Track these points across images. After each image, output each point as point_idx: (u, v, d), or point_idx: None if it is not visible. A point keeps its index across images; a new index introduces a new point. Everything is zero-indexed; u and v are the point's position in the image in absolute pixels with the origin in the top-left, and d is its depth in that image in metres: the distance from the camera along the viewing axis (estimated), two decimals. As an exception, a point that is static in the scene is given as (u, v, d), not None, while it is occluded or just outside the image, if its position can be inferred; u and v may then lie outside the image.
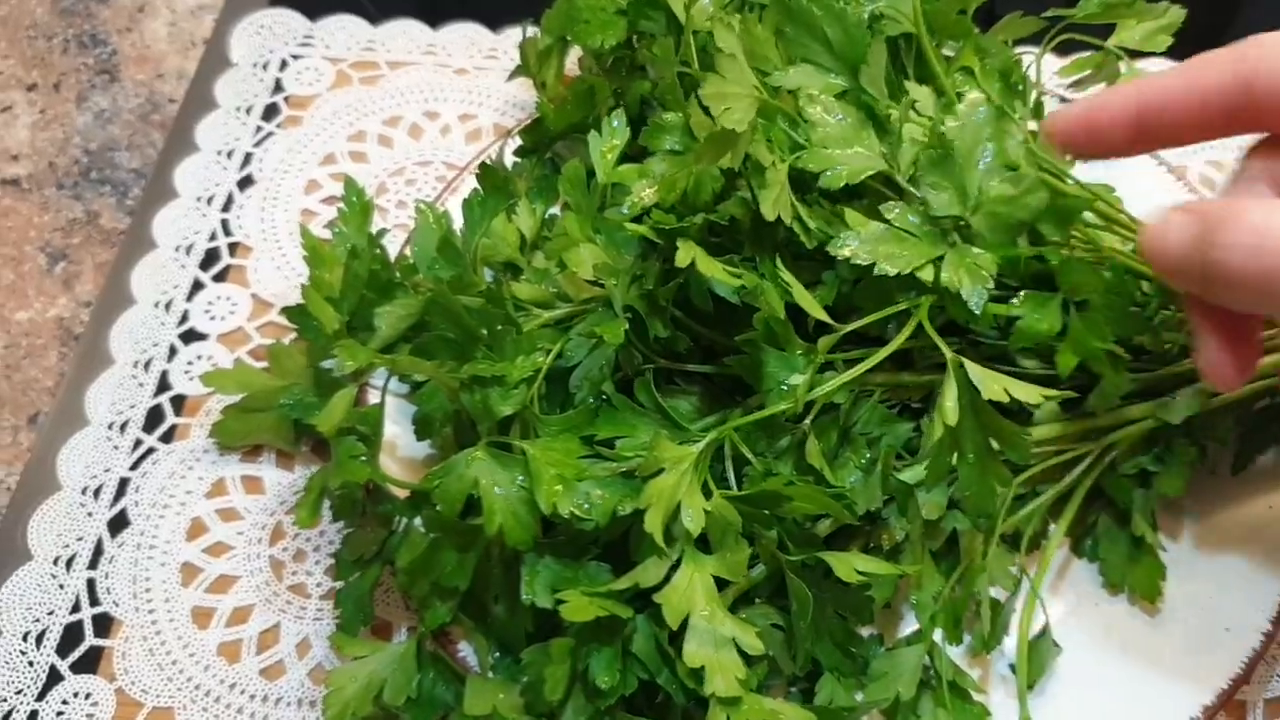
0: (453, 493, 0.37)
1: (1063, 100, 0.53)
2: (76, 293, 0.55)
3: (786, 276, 0.37)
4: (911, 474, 0.39)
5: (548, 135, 0.49)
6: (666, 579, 0.36)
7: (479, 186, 0.46)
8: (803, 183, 0.40)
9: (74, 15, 0.65)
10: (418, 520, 0.41)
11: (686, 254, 0.36)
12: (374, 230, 0.47)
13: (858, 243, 0.37)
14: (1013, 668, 0.40)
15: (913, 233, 0.38)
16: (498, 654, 0.40)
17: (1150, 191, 0.50)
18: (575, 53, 0.54)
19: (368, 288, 0.45)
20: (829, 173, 0.39)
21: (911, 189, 0.39)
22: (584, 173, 0.44)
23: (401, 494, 0.41)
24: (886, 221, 0.38)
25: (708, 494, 0.36)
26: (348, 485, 0.39)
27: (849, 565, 0.36)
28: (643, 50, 0.48)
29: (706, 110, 0.40)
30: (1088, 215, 0.41)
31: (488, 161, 0.47)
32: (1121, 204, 0.47)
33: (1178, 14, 0.50)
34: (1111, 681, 0.40)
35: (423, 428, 0.43)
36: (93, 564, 0.45)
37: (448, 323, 0.41)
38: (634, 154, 0.45)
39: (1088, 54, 0.52)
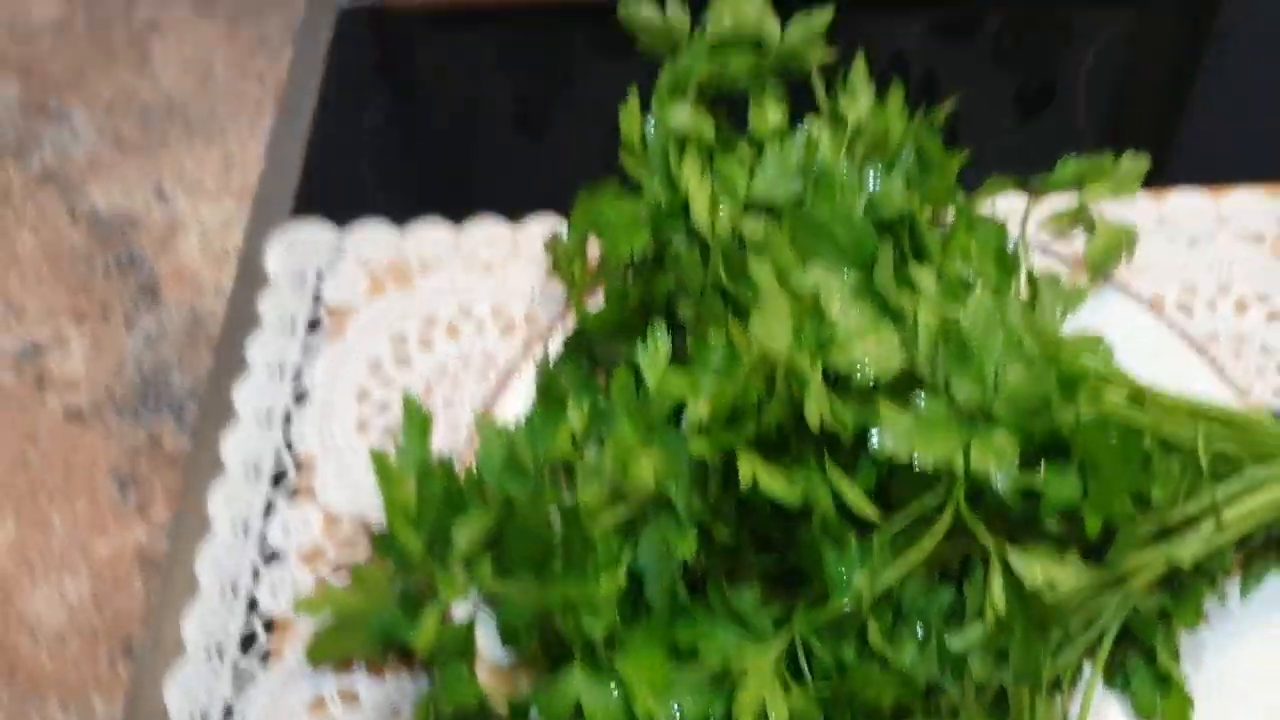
0: (557, 710, 0.42)
1: (1044, 252, 0.58)
2: (150, 518, 0.59)
3: (837, 480, 0.42)
4: (961, 642, 0.43)
5: (589, 339, 0.54)
6: None
7: (539, 401, 0.51)
8: (833, 377, 0.45)
9: (111, 240, 0.70)
10: None
11: (748, 471, 0.41)
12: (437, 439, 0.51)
13: (893, 438, 0.42)
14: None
15: (940, 422, 0.43)
16: None
17: (1132, 327, 0.56)
18: (596, 241, 0.59)
19: (442, 506, 0.49)
20: (858, 373, 0.44)
21: (930, 378, 0.44)
22: (631, 379, 0.49)
23: (500, 712, 0.45)
24: (915, 414, 0.43)
25: (786, 687, 0.41)
26: (459, 707, 0.43)
27: None
28: (669, 257, 0.53)
29: (740, 314, 0.46)
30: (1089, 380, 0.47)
31: (545, 374, 0.52)
32: (1112, 353, 0.53)
33: (1142, 164, 0.56)
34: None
35: (508, 637, 0.48)
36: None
37: (526, 540, 0.46)
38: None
39: (1063, 206, 0.58)
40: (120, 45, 0.81)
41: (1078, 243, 0.59)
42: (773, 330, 0.42)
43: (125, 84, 0.78)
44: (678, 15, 0.58)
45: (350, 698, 0.51)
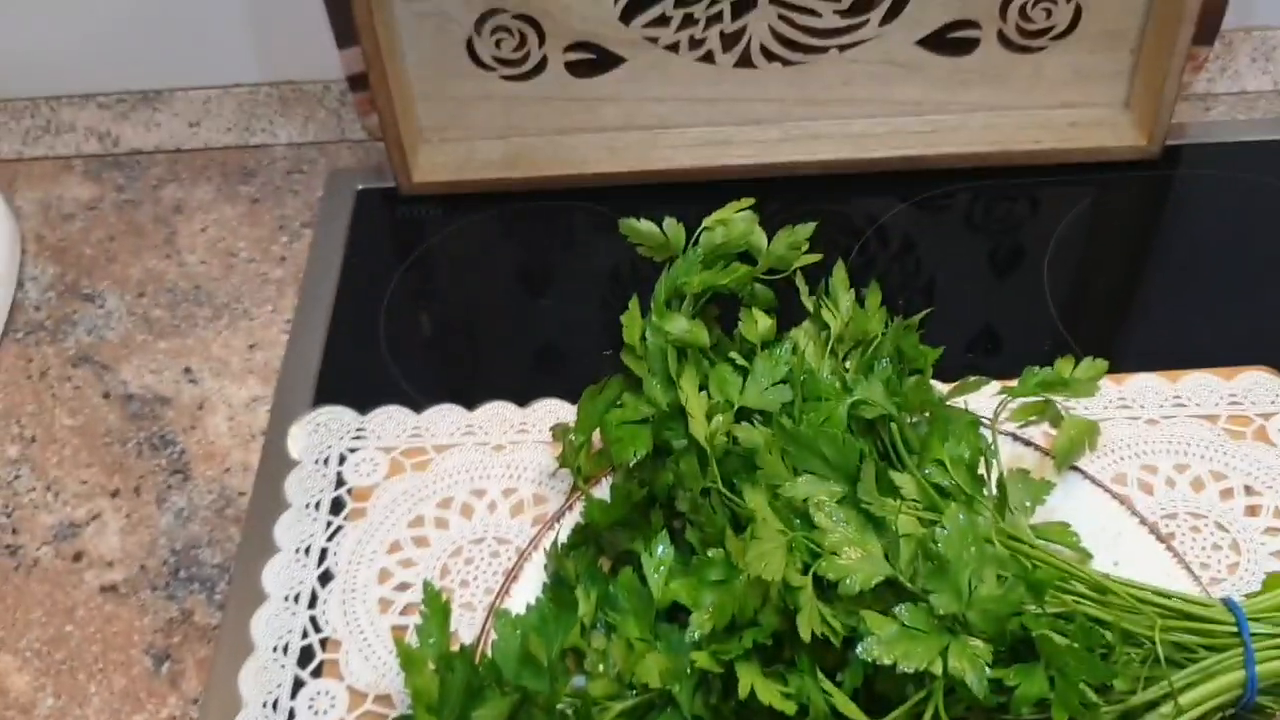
0: None
1: (1014, 439, 0.64)
2: (183, 691, 0.63)
3: (829, 688, 0.47)
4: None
5: (595, 531, 0.59)
6: None
7: (550, 597, 0.55)
8: (822, 584, 0.50)
9: (142, 419, 0.75)
10: None
11: (746, 682, 0.46)
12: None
13: (879, 646, 0.47)
14: None
15: (921, 630, 0.48)
16: None
17: (1094, 513, 0.61)
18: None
19: (463, 694, 0.54)
20: (846, 581, 0.49)
21: (911, 586, 0.50)
22: (636, 580, 0.54)
23: None
24: (898, 622, 0.48)
25: None
26: None
27: None
28: (669, 461, 0.58)
29: (736, 528, 0.51)
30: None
31: (553, 575, 0.57)
32: (1079, 540, 0.58)
33: (1100, 367, 0.62)
34: None
35: (530, 822, 0.52)
36: None
37: (541, 730, 0.50)
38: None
39: (1031, 401, 0.64)
40: (148, 226, 0.87)
41: (1046, 425, 0.65)
42: (767, 559, 0.47)
43: (153, 267, 0.84)
44: (674, 228, 0.64)
45: None
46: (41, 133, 0.91)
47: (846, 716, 0.47)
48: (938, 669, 0.47)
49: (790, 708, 0.46)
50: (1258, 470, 0.66)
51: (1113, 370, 0.64)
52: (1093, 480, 0.62)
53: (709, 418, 0.57)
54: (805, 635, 0.47)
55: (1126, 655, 0.52)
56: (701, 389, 0.59)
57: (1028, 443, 0.64)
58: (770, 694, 0.46)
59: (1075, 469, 0.63)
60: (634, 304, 0.64)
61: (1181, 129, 0.86)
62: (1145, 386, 0.70)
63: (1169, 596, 0.54)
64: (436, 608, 0.57)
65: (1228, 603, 0.54)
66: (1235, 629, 0.52)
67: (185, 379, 0.77)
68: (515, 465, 0.69)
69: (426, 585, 0.57)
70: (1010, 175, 0.84)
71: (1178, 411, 0.68)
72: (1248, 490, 0.65)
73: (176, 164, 0.90)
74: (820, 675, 0.47)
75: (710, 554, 0.52)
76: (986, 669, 0.47)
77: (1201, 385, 0.69)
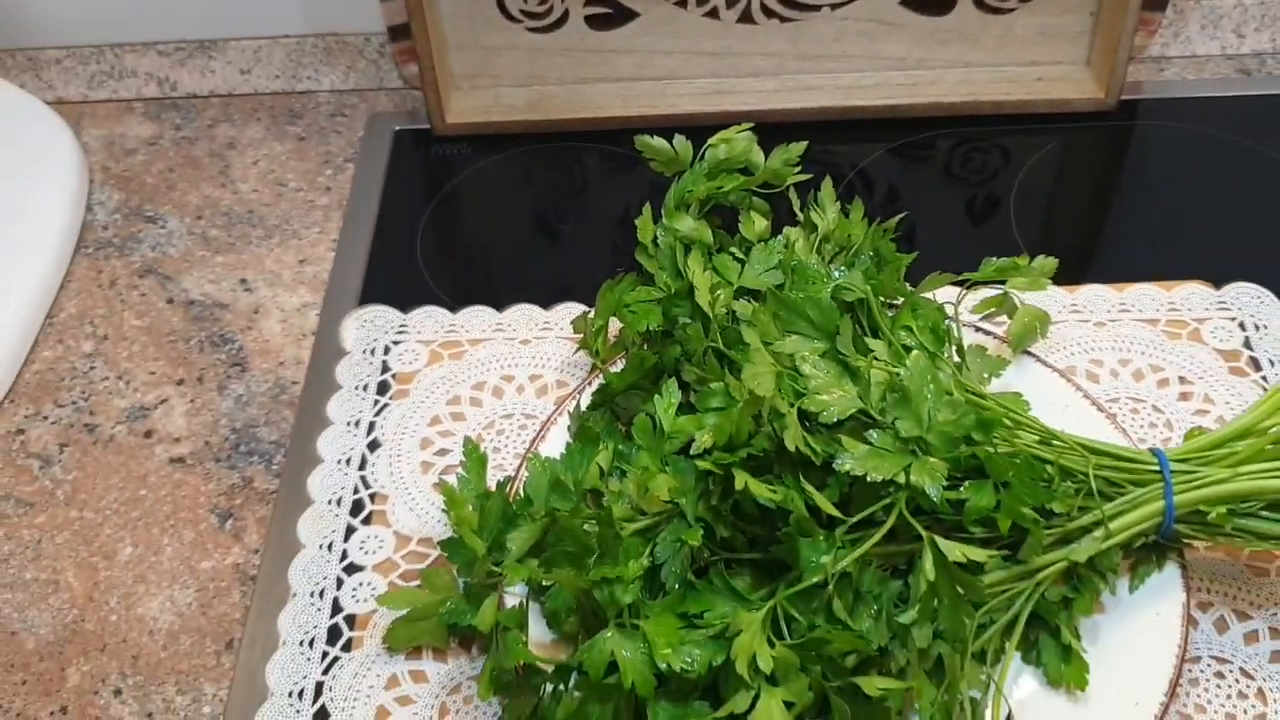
0: (597, 661, 0.55)
1: (977, 329, 0.74)
2: (245, 543, 0.73)
3: (808, 487, 0.57)
4: (906, 617, 0.58)
5: (612, 394, 0.69)
6: (752, 706, 0.54)
7: (575, 438, 0.65)
8: (805, 419, 0.60)
9: (204, 320, 0.85)
10: (563, 686, 0.58)
11: (741, 480, 0.56)
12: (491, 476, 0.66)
13: (852, 461, 0.57)
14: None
15: (888, 449, 0.58)
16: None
17: (1048, 389, 0.71)
18: (613, 324, 0.74)
19: (499, 520, 0.64)
20: (824, 413, 0.59)
21: (881, 419, 0.60)
22: (649, 423, 0.64)
23: (548, 669, 0.59)
24: (869, 443, 0.58)
25: (772, 644, 0.55)
26: (513, 664, 0.57)
27: (873, 685, 0.55)
28: (678, 331, 0.68)
29: (735, 373, 0.61)
30: (1005, 421, 0.62)
31: (578, 418, 0.67)
32: (1028, 405, 0.68)
33: (1051, 263, 0.73)
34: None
35: (552, 619, 0.62)
36: (309, 748, 0.62)
37: (568, 540, 0.60)
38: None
39: (990, 294, 0.74)
40: (204, 159, 0.97)
41: (1003, 326, 0.75)
42: (760, 379, 0.57)
43: (210, 194, 0.94)
44: (683, 144, 0.74)
45: (419, 676, 0.65)
46: (105, 77, 1.01)
47: (826, 518, 0.57)
48: (902, 479, 0.57)
49: (778, 497, 0.56)
50: (1191, 365, 0.76)
51: (1069, 284, 0.74)
52: (1043, 362, 0.72)
53: (711, 292, 0.67)
54: (791, 446, 0.57)
55: (1064, 487, 0.62)
56: (705, 272, 0.69)
57: (987, 332, 0.74)
58: (761, 489, 0.56)
59: (1028, 354, 0.73)
60: (647, 209, 0.74)
61: (1138, 86, 0.96)
62: (1095, 295, 0.80)
63: (1103, 446, 0.64)
64: (475, 458, 0.67)
65: (1153, 451, 0.64)
66: (1158, 468, 0.62)
67: (241, 288, 0.87)
68: (540, 356, 0.79)
69: (467, 440, 0.67)
70: (982, 124, 0.94)
71: (1123, 316, 0.79)
72: (1181, 380, 0.75)
73: (229, 107, 1.01)
74: (802, 480, 0.57)
75: (712, 387, 0.62)
76: (943, 481, 0.57)
77: (1144, 295, 0.80)
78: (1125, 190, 0.91)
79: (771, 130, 0.91)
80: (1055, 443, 0.63)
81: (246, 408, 0.80)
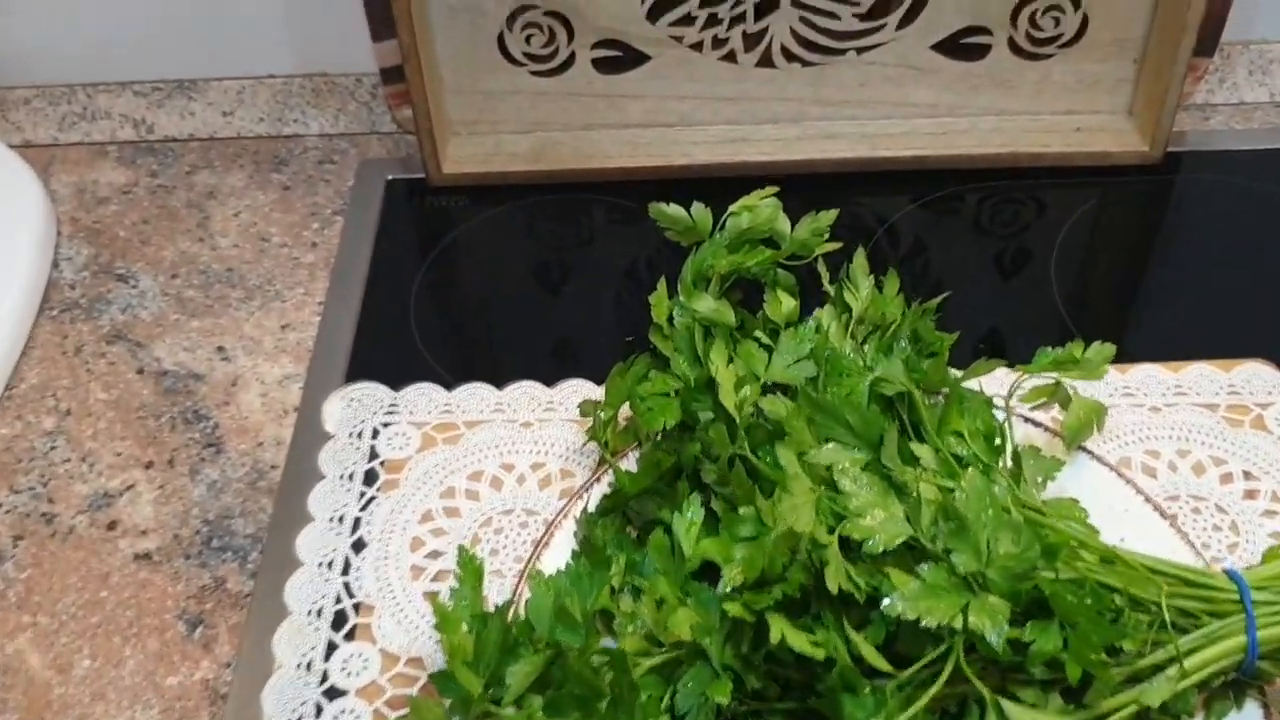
0: (612, 838, 0.48)
1: (1025, 420, 0.66)
2: (216, 655, 0.65)
3: (854, 637, 0.49)
4: (962, 777, 0.50)
5: (624, 499, 0.61)
6: None
7: (584, 558, 0.57)
8: (848, 545, 0.52)
9: (176, 394, 0.77)
10: None
11: (778, 630, 0.48)
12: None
13: (903, 602, 0.49)
14: None
15: (943, 587, 0.50)
16: None
17: (1103, 490, 0.63)
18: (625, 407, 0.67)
19: (497, 650, 0.56)
20: (869, 542, 0.51)
21: (933, 547, 0.52)
22: (667, 543, 0.56)
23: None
24: (919, 578, 0.50)
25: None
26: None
27: None
28: (699, 430, 0.60)
29: (764, 487, 0.53)
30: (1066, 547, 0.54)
31: (585, 534, 0.59)
32: (1087, 515, 0.60)
33: (1109, 350, 0.65)
34: None
35: (558, 775, 0.54)
36: None
37: (575, 682, 0.52)
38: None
39: (1041, 383, 0.66)
40: (181, 210, 0.89)
41: (1055, 410, 0.67)
42: (798, 512, 0.49)
43: (187, 250, 0.86)
44: (701, 213, 0.66)
45: (410, 825, 0.57)
46: (78, 119, 0.93)
47: (870, 667, 0.50)
48: (958, 624, 0.49)
49: (820, 653, 0.48)
50: (1255, 456, 0.68)
51: (1117, 362, 0.66)
52: (1100, 460, 0.65)
53: (736, 389, 0.59)
54: (833, 588, 0.49)
55: (1135, 620, 0.54)
56: (729, 364, 0.61)
57: (1038, 424, 0.66)
58: (799, 640, 0.48)
59: (1083, 450, 0.65)
60: (662, 284, 0.66)
61: (1182, 137, 0.89)
62: (1148, 376, 0.72)
63: (1174, 567, 0.56)
64: (471, 570, 0.59)
65: (1230, 573, 0.56)
66: (1237, 597, 0.55)
67: (218, 357, 0.79)
68: (543, 441, 0.71)
69: (461, 549, 0.59)
70: (1017, 177, 0.86)
71: (1179, 400, 0.71)
72: (1246, 475, 0.67)
73: (210, 151, 0.93)
74: (846, 626, 0.49)
75: (741, 512, 0.54)
76: (1005, 625, 0.49)
77: (1202, 376, 0.72)
78: (1173, 252, 0.83)
79: (791, 182, 0.83)
80: (1120, 565, 0.55)
81: (220, 496, 0.72)
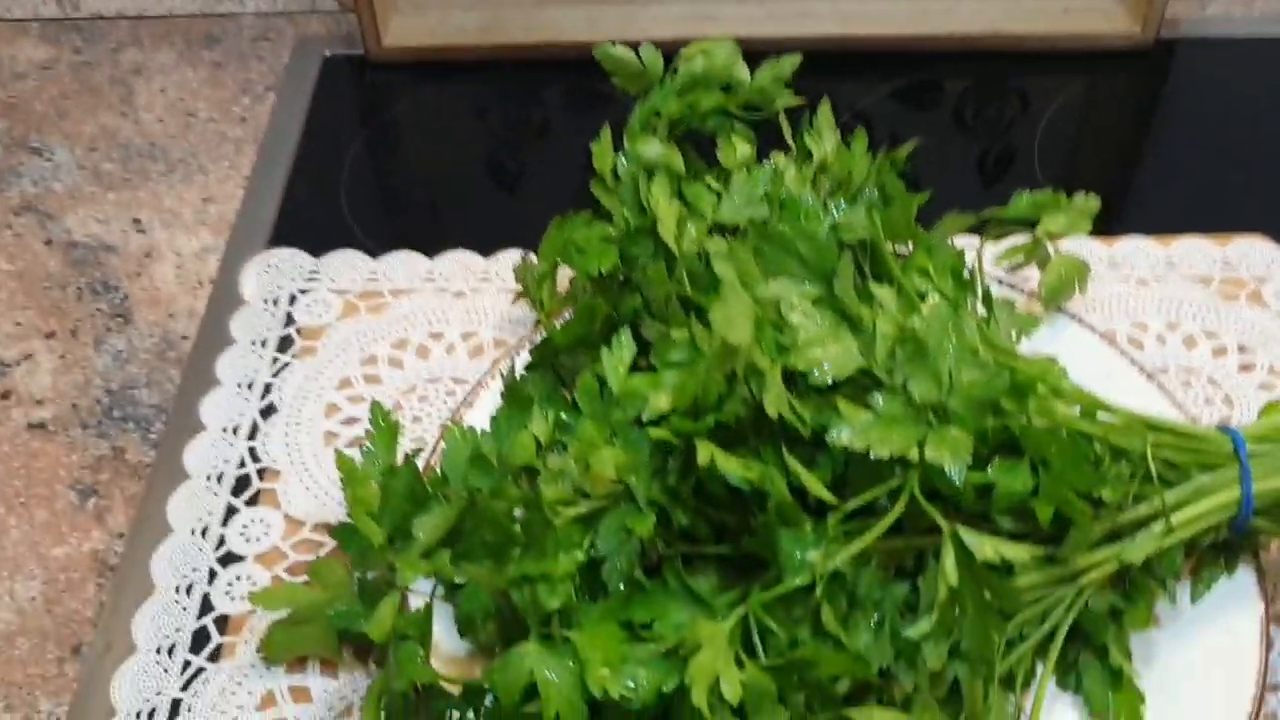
0: (511, 684, 0.42)
1: (1001, 283, 0.61)
2: (109, 526, 0.59)
3: (792, 464, 0.43)
4: (916, 630, 0.44)
5: (554, 351, 0.56)
6: None
7: (504, 404, 0.52)
8: (792, 379, 0.46)
9: (86, 265, 0.71)
10: (471, 713, 0.45)
11: (706, 453, 0.42)
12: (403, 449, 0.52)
13: (851, 432, 0.44)
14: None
15: (898, 417, 0.45)
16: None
17: (1086, 354, 0.58)
18: (564, 272, 0.61)
19: (406, 501, 0.50)
20: (816, 372, 0.46)
21: (887, 379, 0.46)
22: (596, 384, 0.51)
23: (454, 690, 0.45)
24: (873, 410, 0.45)
25: (741, 665, 0.41)
26: (406, 685, 0.43)
27: (871, 718, 0.41)
28: (636, 274, 0.55)
29: (705, 324, 0.47)
30: (1039, 388, 0.48)
31: (509, 380, 0.54)
32: (1065, 373, 0.54)
33: (1093, 203, 0.59)
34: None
35: (465, 626, 0.48)
36: (154, 787, 0.49)
37: (487, 528, 0.47)
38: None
39: (1019, 241, 0.61)
40: (104, 86, 0.83)
41: (1033, 280, 0.61)
42: (734, 321, 0.44)
43: (108, 124, 0.80)
44: (651, 56, 0.61)
45: (301, 694, 0.51)
46: (-3, -6, 0.87)
47: (813, 503, 0.44)
48: (914, 456, 0.44)
49: (753, 475, 0.42)
50: (1251, 331, 0.63)
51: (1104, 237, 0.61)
52: (1081, 322, 0.59)
53: (679, 227, 0.54)
54: (772, 412, 0.43)
55: (1116, 470, 0.48)
56: (672, 200, 0.55)
57: (1013, 287, 0.60)
58: (730, 465, 0.42)
59: (1063, 313, 0.60)
60: (605, 133, 0.60)
61: (1176, 24, 0.83)
62: (1136, 248, 0.67)
63: (1160, 420, 0.50)
64: (384, 427, 0.53)
65: (1222, 428, 0.51)
66: (1230, 449, 0.49)
67: (134, 229, 0.73)
68: (476, 311, 0.65)
69: (374, 405, 0.53)
70: (1000, 61, 0.81)
71: (1169, 273, 0.65)
72: (1241, 349, 0.62)
73: (139, 29, 0.87)
74: (785, 454, 0.44)
75: (674, 335, 0.48)
76: (967, 459, 0.44)
77: (1194, 249, 0.66)
78: (1165, 136, 0.77)
79: (756, 62, 0.78)
80: (1103, 416, 0.49)
81: (126, 366, 0.66)
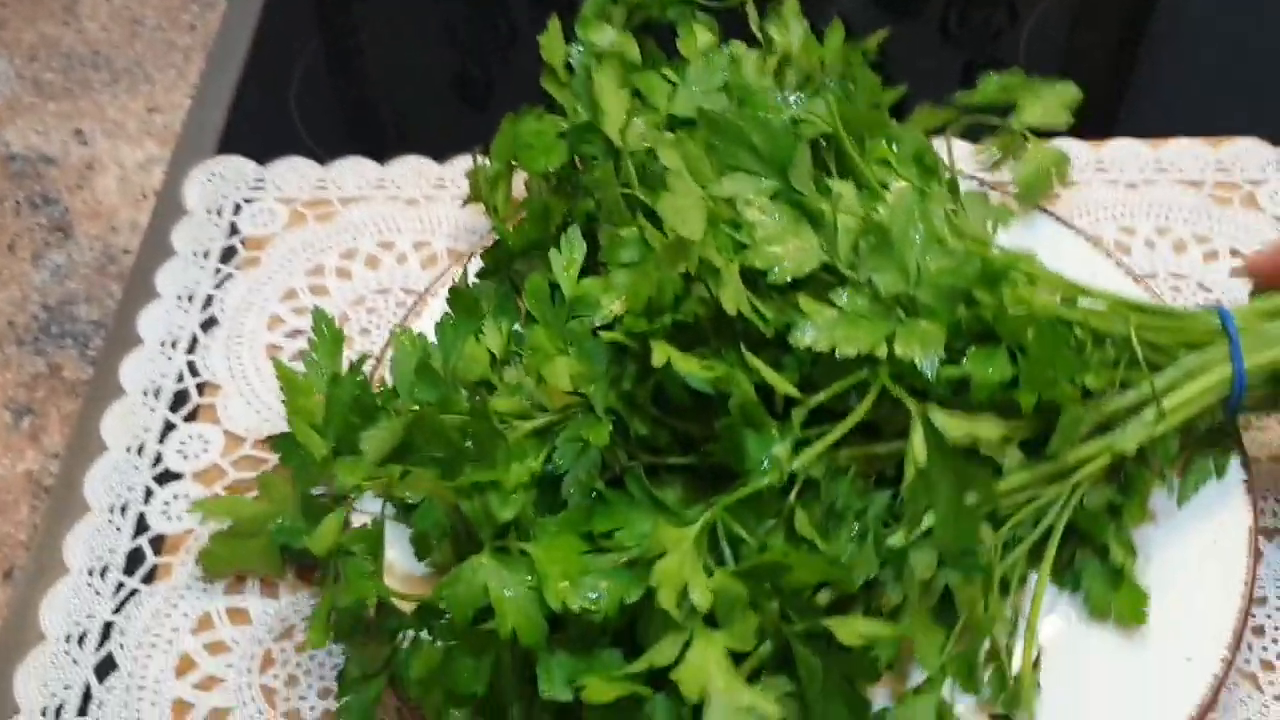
0: (463, 599, 0.39)
1: (980, 183, 0.57)
2: (44, 445, 0.57)
3: (753, 361, 0.40)
4: (898, 538, 0.42)
5: (508, 256, 0.52)
6: (681, 656, 0.38)
7: (450, 310, 0.49)
8: (751, 279, 0.43)
9: (24, 177, 0.68)
10: (425, 633, 0.42)
11: (661, 354, 0.39)
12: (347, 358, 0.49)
13: (814, 331, 0.41)
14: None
15: (863, 314, 0.42)
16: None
17: (1064, 253, 0.54)
18: (519, 179, 0.57)
19: (351, 413, 0.47)
20: (775, 269, 0.43)
21: (851, 274, 0.43)
22: (547, 287, 0.47)
23: (407, 608, 0.43)
24: (837, 307, 0.42)
25: (710, 572, 0.39)
26: (358, 602, 0.41)
27: (852, 629, 0.39)
28: (585, 174, 0.51)
29: (657, 224, 0.44)
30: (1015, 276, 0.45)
31: (456, 285, 0.50)
32: (1043, 265, 0.51)
33: (1074, 91, 0.56)
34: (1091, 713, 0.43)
35: (420, 545, 0.45)
36: (83, 710, 0.46)
37: (435, 441, 0.43)
38: (589, 266, 0.49)
39: (996, 137, 0.57)
40: (48, -2, 0.79)
41: (1009, 188, 0.58)
42: (684, 214, 0.40)
43: (48, 33, 0.76)
44: (606, -63, 0.57)
45: (240, 615, 0.48)
46: (-67, -102, 0.83)
47: (774, 408, 0.41)
48: (882, 353, 0.41)
49: (707, 375, 0.39)
50: (1246, 235, 0.59)
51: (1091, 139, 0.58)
52: (1061, 221, 0.56)
53: (629, 119, 0.50)
54: (731, 309, 0.40)
55: (1100, 355, 0.45)
56: (619, 90, 0.52)
57: (988, 184, 0.57)
58: (689, 365, 0.39)
59: (1043, 213, 0.56)
60: (554, 24, 0.56)
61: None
62: (1125, 150, 0.63)
63: (1143, 303, 0.47)
64: (327, 334, 0.50)
65: (1208, 306, 0.47)
66: (1219, 326, 0.46)
67: (75, 140, 0.70)
68: (429, 219, 0.62)
69: (317, 311, 0.50)
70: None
71: (1159, 177, 0.62)
72: (1234, 254, 0.59)
73: (81, -65, 0.83)
74: (745, 353, 0.41)
75: (623, 233, 0.45)
76: (940, 351, 0.41)
77: (1186, 152, 0.63)
78: (1157, 39, 0.74)
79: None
80: (1084, 303, 0.46)
81: (65, 281, 0.63)
